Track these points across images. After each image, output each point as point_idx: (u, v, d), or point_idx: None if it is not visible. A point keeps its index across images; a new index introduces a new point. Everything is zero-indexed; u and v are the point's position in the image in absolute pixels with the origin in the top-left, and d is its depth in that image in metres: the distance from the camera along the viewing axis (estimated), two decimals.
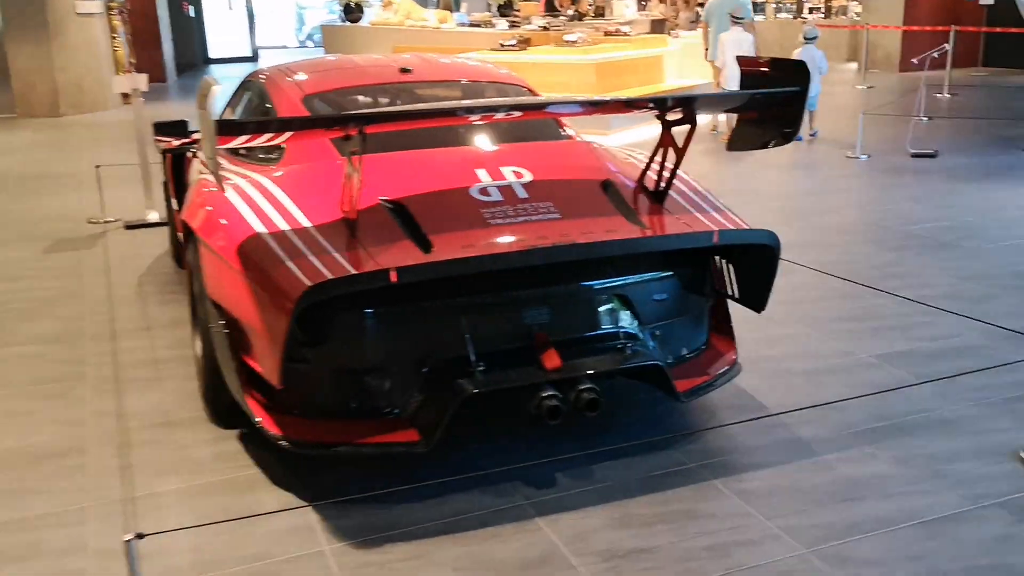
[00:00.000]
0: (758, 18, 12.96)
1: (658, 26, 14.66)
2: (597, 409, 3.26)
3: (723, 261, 3.82)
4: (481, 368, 3.24)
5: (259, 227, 3.37)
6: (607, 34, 13.54)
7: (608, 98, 3.33)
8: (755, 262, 3.62)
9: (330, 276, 2.99)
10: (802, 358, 4.45)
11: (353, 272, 3.01)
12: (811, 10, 20.79)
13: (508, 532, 3.05)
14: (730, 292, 3.84)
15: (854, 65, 18.76)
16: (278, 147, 3.95)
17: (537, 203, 3.49)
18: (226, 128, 2.95)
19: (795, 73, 3.55)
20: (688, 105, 3.54)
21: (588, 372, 3.30)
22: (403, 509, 3.18)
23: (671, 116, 3.59)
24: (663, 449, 3.55)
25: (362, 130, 3.09)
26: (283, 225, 3.36)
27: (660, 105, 3.58)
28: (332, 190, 3.39)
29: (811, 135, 10.67)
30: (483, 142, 4.04)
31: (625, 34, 13.53)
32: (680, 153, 3.57)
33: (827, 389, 4.07)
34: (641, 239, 3.40)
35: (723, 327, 3.95)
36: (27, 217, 7.67)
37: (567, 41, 12.65)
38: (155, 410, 4.01)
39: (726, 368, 3.77)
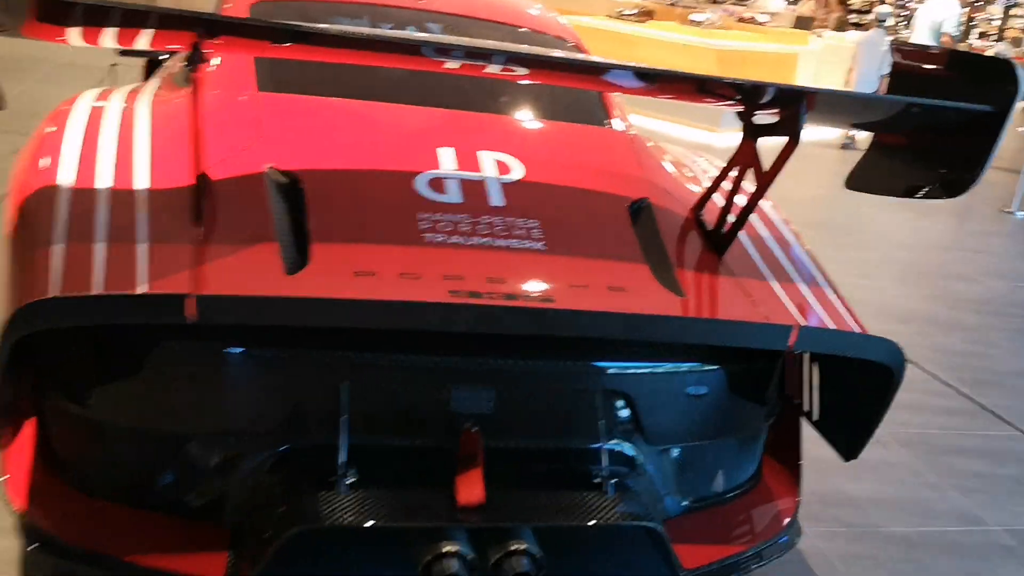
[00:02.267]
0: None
1: (804, 23, 12.91)
2: None
3: (806, 359, 2.41)
4: (351, 479, 1.92)
5: (67, 176, 2.10)
6: (741, 20, 11.90)
7: (669, 71, 1.83)
8: (859, 379, 2.19)
9: (90, 291, 1.70)
10: (901, 515, 2.98)
11: (126, 291, 1.70)
12: (980, 35, 18.53)
13: None
14: (806, 409, 2.42)
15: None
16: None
17: (515, 218, 2.12)
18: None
19: (993, 79, 2.05)
20: (793, 103, 2.07)
21: (529, 524, 1.94)
22: None
23: (762, 117, 2.16)
24: None
25: (198, 45, 1.78)
26: (104, 181, 2.08)
27: (749, 96, 2.15)
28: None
29: None
30: (472, 107, 2.64)
31: (760, 24, 11.86)
32: (766, 178, 2.11)
33: None
34: (661, 318, 1.97)
35: (784, 456, 2.52)
36: None
37: (693, 21, 11.10)
38: None
39: (776, 531, 2.35)
